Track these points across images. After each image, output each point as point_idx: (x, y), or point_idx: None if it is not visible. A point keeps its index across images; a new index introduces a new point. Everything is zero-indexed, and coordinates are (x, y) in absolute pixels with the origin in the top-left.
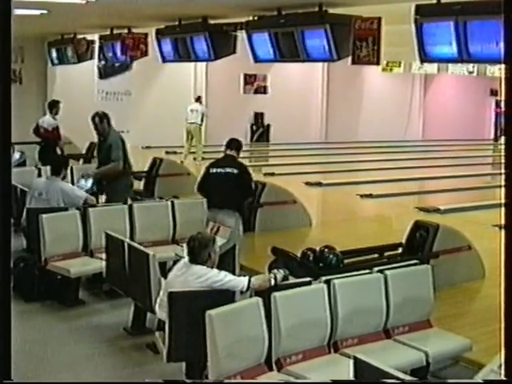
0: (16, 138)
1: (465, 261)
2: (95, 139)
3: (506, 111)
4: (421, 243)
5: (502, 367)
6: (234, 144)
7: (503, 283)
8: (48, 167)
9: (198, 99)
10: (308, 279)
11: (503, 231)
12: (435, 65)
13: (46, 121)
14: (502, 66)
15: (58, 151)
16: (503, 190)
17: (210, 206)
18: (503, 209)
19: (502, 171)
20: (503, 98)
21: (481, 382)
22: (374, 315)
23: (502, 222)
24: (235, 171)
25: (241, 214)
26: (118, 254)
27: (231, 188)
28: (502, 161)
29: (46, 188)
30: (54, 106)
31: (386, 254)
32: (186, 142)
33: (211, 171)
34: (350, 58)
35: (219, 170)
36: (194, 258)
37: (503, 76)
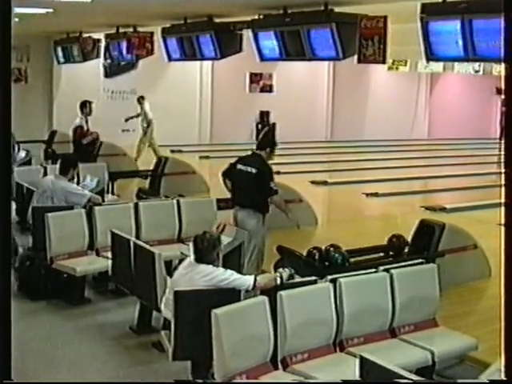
0: (22, 137)
1: (471, 260)
2: (101, 138)
3: (506, 110)
4: (426, 242)
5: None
6: (264, 143)
7: (503, 283)
8: (56, 166)
9: (143, 98)
10: (314, 278)
11: (503, 231)
12: (441, 64)
13: (74, 122)
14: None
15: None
16: (503, 189)
17: (234, 203)
18: (503, 208)
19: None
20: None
21: (486, 382)
22: (380, 314)
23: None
24: (254, 171)
25: (263, 216)
26: (123, 253)
27: (250, 188)
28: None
29: (51, 187)
30: (84, 106)
31: (392, 252)
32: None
33: (237, 166)
34: (355, 57)
35: (242, 168)
36: (202, 258)
37: (503, 75)
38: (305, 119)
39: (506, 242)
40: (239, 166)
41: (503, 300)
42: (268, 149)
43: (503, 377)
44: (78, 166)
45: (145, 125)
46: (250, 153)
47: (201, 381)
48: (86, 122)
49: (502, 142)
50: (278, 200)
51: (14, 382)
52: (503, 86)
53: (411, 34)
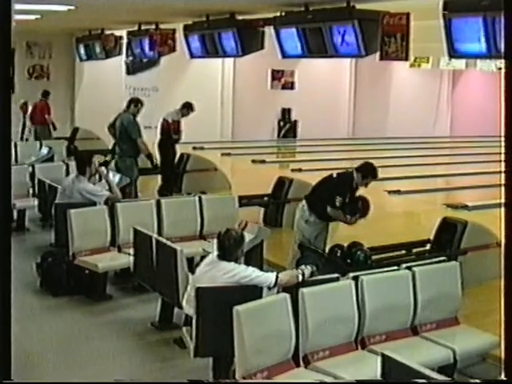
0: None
1: (493, 257)
2: None
3: (505, 108)
4: (448, 240)
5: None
6: (362, 169)
7: (503, 284)
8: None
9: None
10: (336, 275)
11: (503, 230)
12: (463, 60)
13: (170, 114)
14: None
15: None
16: (503, 189)
17: None
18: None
19: None
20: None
21: (477, 381)
22: (402, 312)
23: None
24: (335, 176)
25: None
26: (145, 249)
27: (323, 191)
28: None
29: (70, 186)
30: (186, 106)
31: (414, 250)
32: None
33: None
34: (377, 54)
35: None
36: (226, 256)
37: (503, 72)
38: (326, 116)
39: (506, 242)
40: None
41: (503, 300)
42: (360, 174)
43: (503, 377)
44: (94, 163)
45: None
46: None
47: (211, 381)
48: (179, 116)
49: None
50: (332, 213)
51: (14, 382)
52: (503, 84)
53: (433, 30)
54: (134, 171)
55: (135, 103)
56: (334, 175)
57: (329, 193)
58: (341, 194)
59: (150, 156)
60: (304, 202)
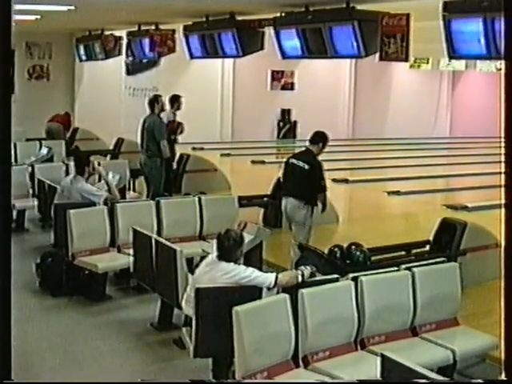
0: (44, 134)
1: (492, 258)
2: (122, 135)
3: (506, 109)
4: (448, 241)
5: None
6: (316, 138)
7: (503, 285)
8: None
9: None
10: (335, 276)
11: (504, 232)
12: (463, 61)
13: (166, 115)
14: None
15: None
16: (503, 190)
17: (282, 194)
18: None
19: None
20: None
21: (481, 381)
22: (401, 313)
23: None
24: (306, 167)
25: (312, 208)
26: (145, 250)
27: (303, 182)
28: None
29: (68, 187)
30: (175, 101)
31: (414, 251)
32: None
33: (289, 161)
34: (377, 55)
35: (294, 162)
36: (226, 256)
37: (503, 73)
38: (326, 117)
39: (506, 243)
40: (291, 161)
41: (503, 301)
42: (320, 144)
43: (503, 377)
44: (93, 162)
45: None
46: (303, 149)
47: (214, 381)
48: (175, 116)
49: None
50: (323, 196)
51: (14, 382)
52: (503, 85)
53: (433, 31)
54: (162, 172)
55: (156, 101)
56: (303, 165)
57: (311, 183)
58: (322, 177)
59: (168, 160)
60: (293, 199)
